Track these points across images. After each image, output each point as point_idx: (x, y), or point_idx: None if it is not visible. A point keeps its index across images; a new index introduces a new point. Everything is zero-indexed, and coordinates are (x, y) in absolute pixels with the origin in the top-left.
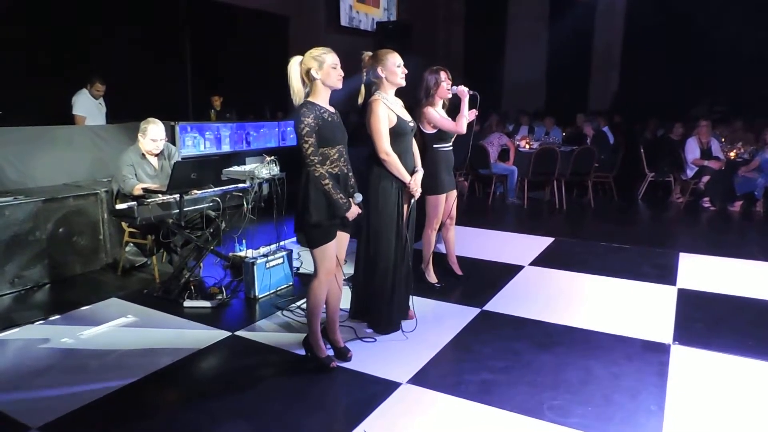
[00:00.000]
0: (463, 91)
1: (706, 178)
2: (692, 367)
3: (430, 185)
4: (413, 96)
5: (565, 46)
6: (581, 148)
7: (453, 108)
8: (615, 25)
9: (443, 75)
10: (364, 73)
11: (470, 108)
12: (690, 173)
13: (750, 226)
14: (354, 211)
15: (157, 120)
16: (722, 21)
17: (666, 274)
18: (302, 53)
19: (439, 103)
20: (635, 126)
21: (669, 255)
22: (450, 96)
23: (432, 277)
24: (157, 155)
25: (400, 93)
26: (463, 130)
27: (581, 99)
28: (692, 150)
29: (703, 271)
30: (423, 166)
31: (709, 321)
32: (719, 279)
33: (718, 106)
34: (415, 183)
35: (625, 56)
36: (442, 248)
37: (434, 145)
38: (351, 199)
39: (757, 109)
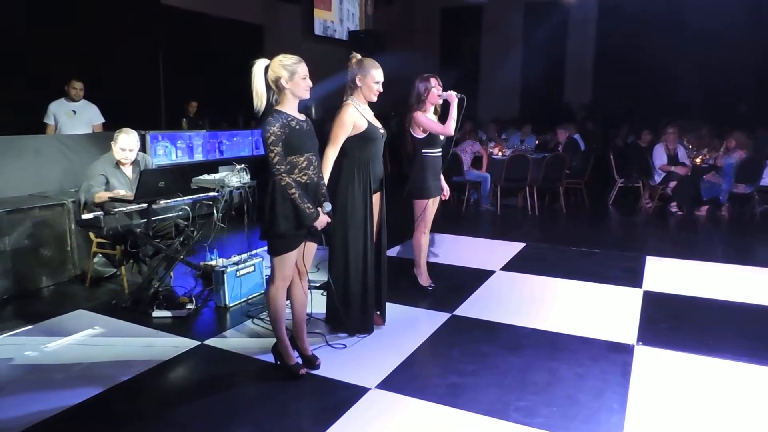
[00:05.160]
0: (452, 95)
1: (673, 184)
2: (655, 367)
3: (417, 190)
4: (389, 102)
5: (539, 56)
6: (552, 155)
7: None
8: (587, 35)
9: (433, 81)
10: (349, 73)
11: (458, 111)
12: (658, 179)
13: (715, 229)
14: (322, 221)
15: (130, 129)
16: (690, 30)
17: (633, 277)
18: None
19: (431, 109)
20: (608, 133)
21: (636, 258)
22: (440, 102)
23: (424, 280)
24: (132, 165)
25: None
26: (452, 132)
27: (555, 107)
28: (660, 156)
29: (669, 274)
30: (411, 170)
31: (672, 321)
32: (684, 281)
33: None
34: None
35: (596, 65)
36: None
37: (423, 150)
38: (320, 208)
39: (723, 116)
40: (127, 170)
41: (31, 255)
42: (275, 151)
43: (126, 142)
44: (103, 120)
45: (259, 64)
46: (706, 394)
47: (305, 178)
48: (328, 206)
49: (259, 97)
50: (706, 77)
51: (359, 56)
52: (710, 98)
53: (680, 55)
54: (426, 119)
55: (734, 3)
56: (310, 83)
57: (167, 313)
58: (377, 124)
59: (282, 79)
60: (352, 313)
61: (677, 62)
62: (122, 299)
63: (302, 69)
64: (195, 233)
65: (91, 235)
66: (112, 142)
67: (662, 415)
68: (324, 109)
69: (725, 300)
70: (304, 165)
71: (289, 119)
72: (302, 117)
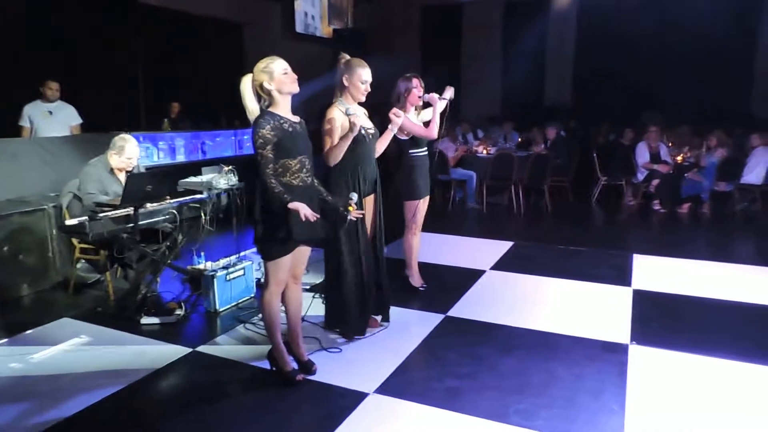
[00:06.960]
0: (434, 97)
1: (655, 182)
2: (650, 366)
3: (406, 190)
4: (378, 101)
5: (520, 54)
6: (536, 153)
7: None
8: (567, 32)
9: (415, 82)
10: (337, 73)
11: (441, 114)
12: (641, 177)
13: (697, 227)
14: (357, 214)
15: (129, 136)
16: (669, 30)
17: (621, 276)
18: (257, 60)
19: (411, 109)
20: (589, 131)
21: (623, 257)
22: (421, 103)
23: (416, 281)
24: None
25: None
26: (434, 135)
27: (536, 105)
28: (642, 154)
29: (656, 272)
30: (398, 171)
31: (664, 320)
32: (671, 279)
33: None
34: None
35: (577, 63)
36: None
37: (409, 151)
38: (350, 200)
39: (702, 115)
40: (122, 177)
41: (11, 262)
42: (263, 155)
43: (133, 151)
44: (80, 120)
45: (245, 80)
46: (703, 394)
47: (297, 180)
48: (355, 196)
49: (251, 112)
50: (686, 75)
51: (347, 57)
52: (690, 96)
53: (661, 53)
54: (408, 122)
55: (716, 1)
56: (294, 75)
57: (156, 320)
58: (365, 124)
59: (264, 82)
60: (349, 317)
61: (658, 59)
62: (108, 306)
63: (278, 65)
64: (182, 237)
65: (74, 240)
66: (112, 150)
67: (661, 416)
68: (307, 108)
69: (713, 298)
70: (296, 168)
71: (282, 121)
72: (296, 119)
